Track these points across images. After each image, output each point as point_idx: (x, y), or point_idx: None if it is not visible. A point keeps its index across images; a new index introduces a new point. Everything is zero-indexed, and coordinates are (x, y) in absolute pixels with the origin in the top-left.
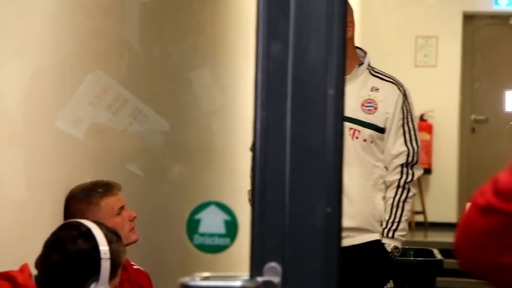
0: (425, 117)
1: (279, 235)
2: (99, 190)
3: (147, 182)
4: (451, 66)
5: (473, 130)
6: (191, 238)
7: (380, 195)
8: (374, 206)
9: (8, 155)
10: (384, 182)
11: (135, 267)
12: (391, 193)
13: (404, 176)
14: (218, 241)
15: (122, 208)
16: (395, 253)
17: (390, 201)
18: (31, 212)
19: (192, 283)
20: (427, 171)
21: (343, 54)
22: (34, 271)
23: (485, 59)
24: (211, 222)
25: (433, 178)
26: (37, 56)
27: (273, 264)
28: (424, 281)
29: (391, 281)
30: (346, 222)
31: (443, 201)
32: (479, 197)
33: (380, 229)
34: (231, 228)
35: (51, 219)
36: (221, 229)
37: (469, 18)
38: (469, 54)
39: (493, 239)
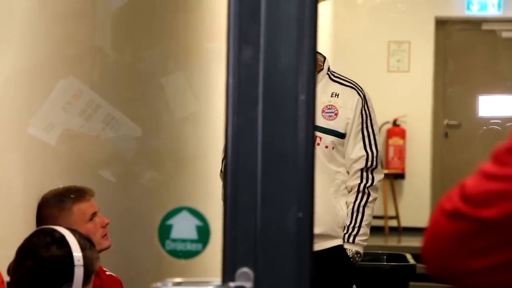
0: (398, 122)
1: (251, 240)
2: (72, 195)
3: (120, 188)
4: (424, 71)
5: (446, 135)
6: (163, 243)
7: (343, 200)
8: (337, 212)
9: None
10: (346, 187)
11: (107, 273)
12: (351, 198)
13: (364, 181)
14: (190, 246)
15: (94, 214)
16: (356, 258)
17: (351, 206)
18: (3, 218)
19: None
20: (401, 176)
21: (314, 59)
22: (6, 278)
23: (458, 64)
24: (183, 227)
25: (406, 183)
26: (8, 62)
27: (245, 269)
28: (397, 286)
29: (354, 286)
30: None
31: (416, 206)
32: (446, 202)
33: (341, 234)
34: (203, 233)
35: (23, 225)
36: (193, 235)
37: (441, 23)
38: (442, 59)
39: (461, 244)
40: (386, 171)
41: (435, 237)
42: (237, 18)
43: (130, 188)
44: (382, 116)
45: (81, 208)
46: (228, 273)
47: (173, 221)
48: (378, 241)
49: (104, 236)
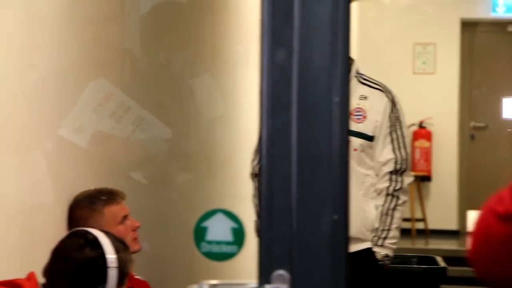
0: (424, 124)
1: (287, 243)
2: (103, 197)
3: (151, 190)
4: (450, 73)
5: (472, 137)
6: (198, 245)
7: (372, 203)
8: (366, 215)
9: (12, 162)
10: (375, 190)
11: (136, 277)
12: (380, 201)
13: (393, 184)
14: (225, 248)
15: (125, 217)
16: (386, 261)
17: (380, 209)
18: (35, 219)
19: None
20: (427, 178)
21: (347, 61)
22: (41, 279)
23: (483, 66)
24: (218, 229)
25: (433, 185)
26: (40, 64)
27: (281, 271)
28: None
29: None
30: None
31: (443, 208)
32: (497, 205)
33: (371, 237)
34: (239, 235)
35: (55, 226)
36: (229, 237)
37: (467, 25)
38: (468, 61)
39: None
40: (412, 173)
41: (486, 239)
42: (270, 20)
43: (161, 190)
44: (407, 118)
45: (112, 211)
46: (264, 275)
47: (208, 223)
48: (405, 243)
49: (135, 239)
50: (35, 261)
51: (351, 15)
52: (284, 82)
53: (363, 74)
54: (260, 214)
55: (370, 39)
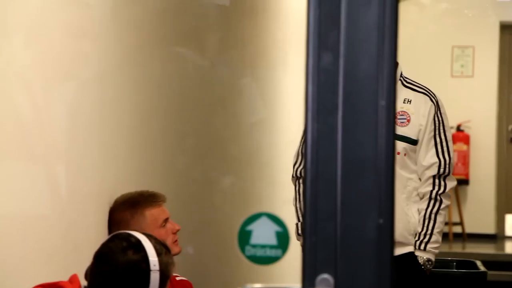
0: (462, 128)
1: (331, 247)
2: (144, 200)
3: (193, 193)
4: (488, 76)
5: (511, 140)
6: (242, 249)
7: (414, 207)
8: (408, 219)
9: (53, 167)
10: (418, 194)
11: (178, 278)
12: (423, 205)
13: (436, 188)
14: (269, 252)
15: (166, 220)
16: (428, 266)
17: (422, 213)
18: (76, 223)
19: None
20: (465, 181)
21: (394, 65)
22: (84, 282)
23: None
24: (263, 233)
25: (470, 189)
26: (82, 68)
27: (325, 275)
28: None
29: None
30: None
31: (481, 212)
32: None
33: (413, 241)
34: (283, 239)
35: (96, 230)
36: (273, 241)
37: (506, 28)
38: (506, 64)
39: None
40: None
41: None
42: (316, 24)
43: (202, 193)
44: None
45: (153, 214)
46: (308, 279)
47: (252, 226)
48: (443, 247)
49: (175, 242)
50: (77, 264)
51: (398, 18)
52: (330, 86)
53: (407, 77)
54: (302, 217)
55: (409, 42)
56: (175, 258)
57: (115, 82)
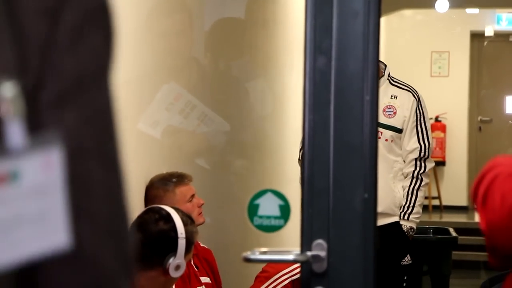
0: (439, 118)
1: (325, 217)
2: (174, 179)
3: (212, 173)
4: (461, 76)
5: (479, 129)
6: (251, 219)
7: (399, 184)
8: (394, 194)
9: None
10: (403, 174)
11: (201, 245)
12: (407, 182)
13: (418, 168)
14: (274, 222)
15: (192, 196)
16: (410, 232)
17: (406, 189)
18: None
19: (253, 256)
20: (442, 163)
21: (377, 66)
22: None
23: (489, 70)
24: (268, 206)
25: (446, 169)
26: (121, 71)
27: (320, 241)
28: (441, 255)
29: (408, 256)
30: None
31: (455, 188)
32: None
33: (398, 212)
34: (285, 211)
35: (133, 204)
36: (277, 212)
37: (475, 36)
38: (476, 66)
39: None
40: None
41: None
42: (312, 32)
43: (221, 174)
44: None
45: (182, 191)
46: (306, 244)
47: (260, 201)
48: (423, 217)
49: (200, 214)
50: None
51: (380, 28)
52: (324, 84)
53: (393, 77)
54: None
55: (395, 48)
56: (201, 228)
57: (149, 83)
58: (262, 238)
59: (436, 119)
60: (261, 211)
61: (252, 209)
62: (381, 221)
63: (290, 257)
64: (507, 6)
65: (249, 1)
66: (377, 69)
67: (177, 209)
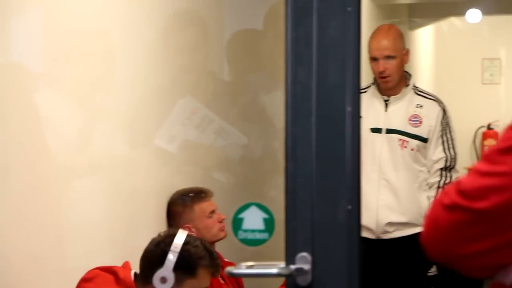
0: (492, 126)
1: (309, 230)
2: (191, 195)
3: (230, 187)
4: None
5: None
6: (236, 233)
7: (424, 194)
8: (420, 204)
9: (115, 168)
10: (427, 184)
11: (225, 260)
12: (432, 192)
13: (443, 178)
14: (258, 235)
15: (213, 211)
16: None
17: (432, 199)
18: (138, 214)
19: (236, 270)
20: None
21: (358, 77)
22: (136, 268)
23: None
24: (252, 220)
25: None
26: (140, 86)
27: (304, 254)
28: None
29: (434, 266)
30: (397, 217)
31: None
32: (444, 197)
33: None
34: (269, 224)
35: (154, 220)
36: (261, 226)
37: None
38: None
39: (458, 232)
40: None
41: (435, 226)
42: (293, 44)
43: (242, 188)
44: (478, 121)
45: (201, 207)
46: (290, 257)
47: (244, 214)
48: None
49: (221, 229)
50: (135, 250)
51: (428, 35)
52: (305, 96)
53: (418, 87)
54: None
55: (445, 55)
56: (222, 242)
57: (166, 98)
58: (275, 249)
59: (488, 127)
60: (246, 225)
61: (237, 223)
62: (406, 231)
63: (274, 270)
64: None
65: (267, 13)
66: (359, 80)
67: (192, 236)
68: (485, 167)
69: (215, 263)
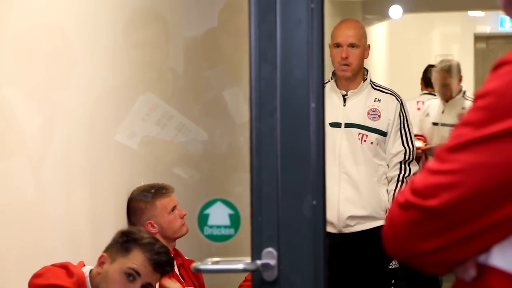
0: None
1: (274, 225)
2: (153, 191)
3: (192, 183)
4: (466, 80)
5: None
6: (202, 229)
7: (384, 188)
8: (380, 198)
9: (75, 165)
10: (387, 177)
11: (186, 258)
12: (392, 186)
13: (403, 172)
14: (224, 231)
15: (174, 207)
16: None
17: (391, 193)
18: (98, 211)
19: (203, 266)
20: None
21: (322, 74)
22: (89, 265)
23: None
24: (218, 216)
25: None
26: (98, 83)
27: (269, 249)
28: None
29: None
30: (358, 211)
31: None
32: (399, 196)
33: (385, 216)
34: (235, 220)
35: (115, 217)
36: (227, 221)
37: (479, 39)
38: (480, 69)
39: (412, 230)
40: None
41: (391, 225)
42: (257, 40)
43: (203, 184)
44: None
45: (163, 203)
46: (256, 253)
47: (209, 210)
48: None
49: (183, 225)
50: (100, 244)
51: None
52: (269, 92)
53: (375, 82)
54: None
55: (399, 50)
56: (183, 238)
57: (126, 94)
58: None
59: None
60: (211, 221)
61: (202, 219)
62: (367, 225)
63: (240, 266)
64: None
65: (221, 10)
66: (322, 76)
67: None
68: (435, 165)
69: (156, 252)
